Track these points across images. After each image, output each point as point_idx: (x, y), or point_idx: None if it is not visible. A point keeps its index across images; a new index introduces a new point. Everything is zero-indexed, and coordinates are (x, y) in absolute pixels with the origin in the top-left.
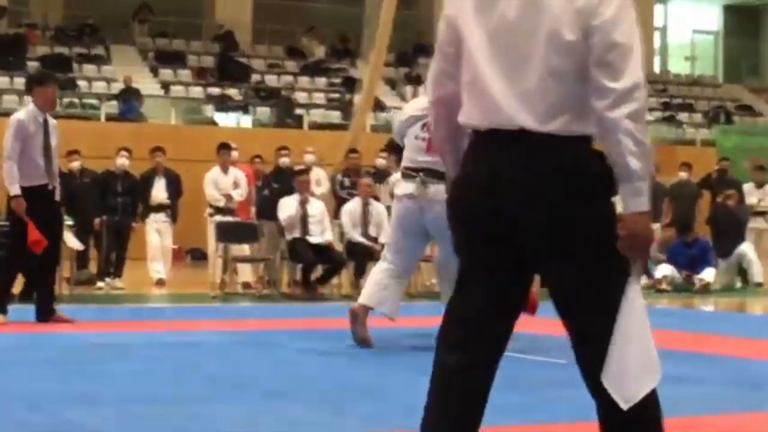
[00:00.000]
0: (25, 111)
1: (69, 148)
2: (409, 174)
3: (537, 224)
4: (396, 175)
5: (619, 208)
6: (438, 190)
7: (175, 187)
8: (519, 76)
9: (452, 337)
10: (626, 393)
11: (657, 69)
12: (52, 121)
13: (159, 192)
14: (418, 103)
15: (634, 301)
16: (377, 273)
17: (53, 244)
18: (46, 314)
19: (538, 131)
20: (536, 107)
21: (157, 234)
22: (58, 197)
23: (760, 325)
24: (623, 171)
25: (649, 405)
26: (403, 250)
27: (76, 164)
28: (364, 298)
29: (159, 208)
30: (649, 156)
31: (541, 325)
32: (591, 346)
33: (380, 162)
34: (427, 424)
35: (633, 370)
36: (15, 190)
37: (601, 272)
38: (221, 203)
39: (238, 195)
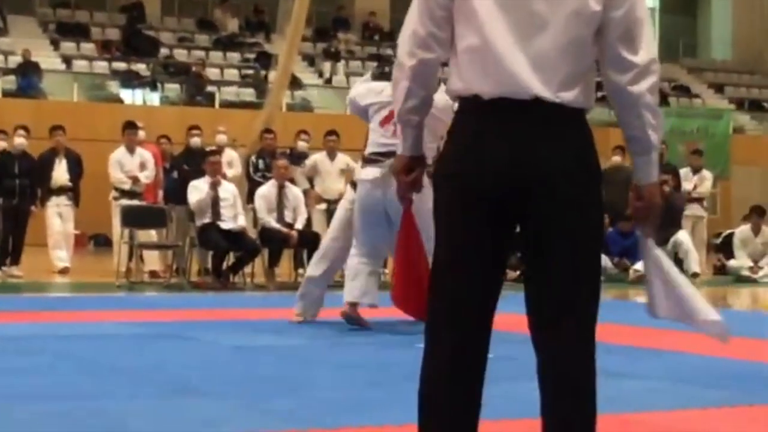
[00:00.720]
0: None
1: None
2: (375, 159)
3: (547, 193)
4: (314, 157)
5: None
6: None
7: (76, 168)
8: (534, 44)
9: (445, 316)
10: (716, 326)
11: None
12: None
13: (60, 174)
14: (378, 87)
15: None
16: (348, 266)
17: None
18: None
19: (552, 101)
20: (552, 76)
21: (58, 218)
22: None
23: None
24: (643, 144)
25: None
26: (369, 238)
27: None
28: (345, 295)
29: (60, 190)
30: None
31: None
32: (572, 314)
33: (301, 144)
34: (430, 410)
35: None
36: None
37: (595, 244)
38: (127, 186)
39: (145, 177)
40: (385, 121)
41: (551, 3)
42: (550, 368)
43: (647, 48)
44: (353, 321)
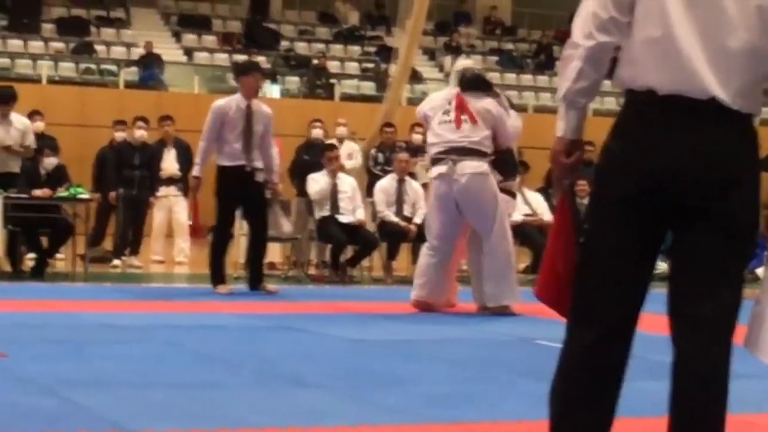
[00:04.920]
0: (228, 98)
1: (85, 117)
2: (439, 158)
3: (713, 194)
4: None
5: None
6: (465, 165)
7: (186, 158)
8: (719, 46)
9: (589, 312)
10: None
11: None
12: (261, 109)
13: (169, 164)
14: (441, 94)
15: None
16: (419, 264)
17: (257, 220)
18: (254, 284)
19: (728, 105)
20: (730, 79)
21: (163, 211)
22: (261, 178)
23: None
24: None
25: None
26: (440, 232)
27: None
28: (413, 292)
29: (170, 180)
30: None
31: None
32: (716, 312)
33: (416, 138)
34: (565, 407)
35: None
36: (196, 170)
37: (747, 247)
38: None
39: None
40: (442, 122)
41: (741, 4)
42: (687, 364)
43: None
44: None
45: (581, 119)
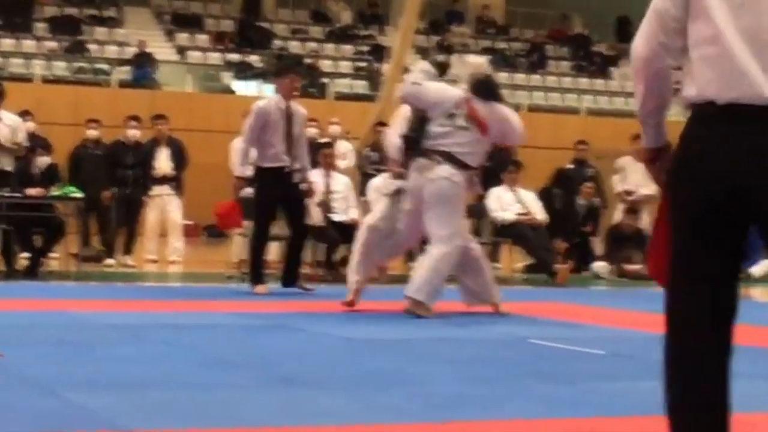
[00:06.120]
0: (268, 99)
1: (79, 116)
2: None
3: None
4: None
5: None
6: (443, 169)
7: (179, 157)
8: (766, 52)
9: (689, 316)
10: None
11: None
12: (299, 111)
13: (162, 162)
14: (449, 93)
15: None
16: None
17: (297, 220)
18: (289, 282)
19: None
20: None
21: (156, 211)
22: (298, 179)
23: None
24: None
25: None
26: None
27: (93, 133)
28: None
29: (163, 179)
30: None
31: (577, 314)
32: None
33: None
34: (680, 409)
35: None
36: (238, 171)
37: None
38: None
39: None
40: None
41: None
42: None
43: None
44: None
45: (658, 132)
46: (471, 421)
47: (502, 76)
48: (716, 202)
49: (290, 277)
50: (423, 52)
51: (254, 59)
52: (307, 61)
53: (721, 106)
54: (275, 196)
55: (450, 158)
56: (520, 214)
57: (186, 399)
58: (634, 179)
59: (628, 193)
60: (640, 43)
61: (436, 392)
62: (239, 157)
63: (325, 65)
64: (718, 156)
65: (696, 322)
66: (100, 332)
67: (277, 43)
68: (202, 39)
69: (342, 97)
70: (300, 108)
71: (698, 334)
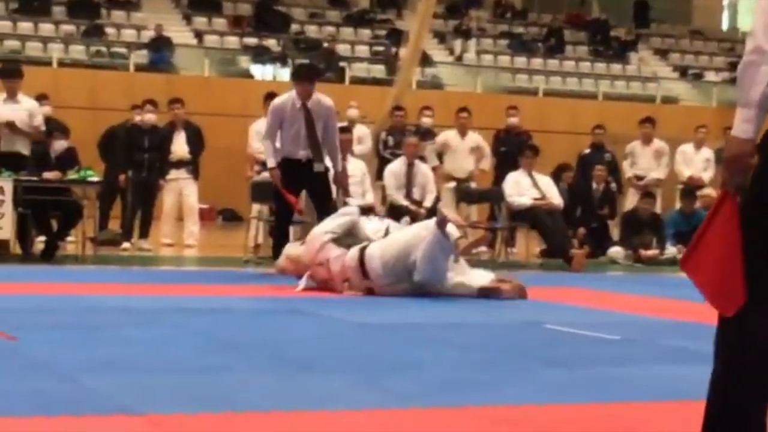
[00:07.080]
0: (285, 96)
1: (96, 100)
2: None
3: None
4: (444, 134)
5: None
6: None
7: (196, 141)
8: None
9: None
10: None
11: (724, 26)
12: (321, 104)
13: (179, 146)
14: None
15: None
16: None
17: (320, 209)
18: None
19: None
20: None
21: (172, 194)
22: (322, 169)
23: None
24: None
25: None
26: None
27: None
28: None
29: (180, 163)
30: None
31: (592, 299)
32: None
33: (425, 121)
34: (738, 403)
35: None
36: (270, 163)
37: None
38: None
39: None
40: None
41: None
42: None
43: None
44: None
45: (759, 123)
46: (481, 405)
47: (519, 61)
48: None
49: None
50: (440, 37)
51: (272, 43)
52: (325, 45)
53: None
54: (292, 185)
55: None
56: (536, 199)
57: (198, 383)
58: (643, 164)
59: (639, 178)
60: (765, 21)
61: (446, 377)
62: (266, 152)
63: (343, 49)
64: None
65: None
66: (114, 316)
67: (294, 27)
68: (220, 23)
69: (359, 81)
70: (324, 101)
71: None
